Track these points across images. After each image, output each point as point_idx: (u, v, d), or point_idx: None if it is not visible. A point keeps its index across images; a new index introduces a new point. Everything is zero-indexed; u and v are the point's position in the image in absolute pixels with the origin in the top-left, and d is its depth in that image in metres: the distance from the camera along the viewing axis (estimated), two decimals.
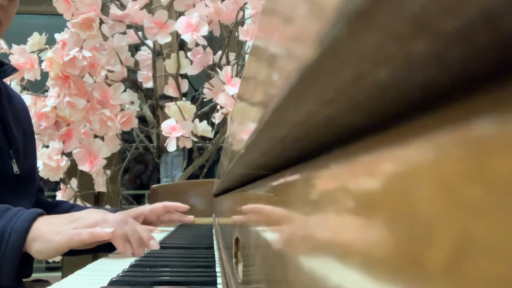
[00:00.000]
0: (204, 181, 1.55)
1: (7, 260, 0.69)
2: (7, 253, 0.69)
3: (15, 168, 0.91)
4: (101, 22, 1.40)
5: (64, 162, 1.42)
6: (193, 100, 1.68)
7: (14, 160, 0.90)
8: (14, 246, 0.69)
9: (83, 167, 1.42)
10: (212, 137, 1.53)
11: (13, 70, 0.96)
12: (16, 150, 0.91)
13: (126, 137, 2.23)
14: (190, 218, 1.09)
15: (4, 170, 0.89)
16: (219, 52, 1.53)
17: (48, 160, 1.40)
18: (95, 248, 1.00)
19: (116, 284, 0.54)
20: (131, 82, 1.63)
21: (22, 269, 0.74)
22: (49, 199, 1.17)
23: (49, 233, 0.70)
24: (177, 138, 1.39)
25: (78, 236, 0.70)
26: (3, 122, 0.90)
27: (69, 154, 1.46)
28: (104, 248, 0.97)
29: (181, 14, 1.44)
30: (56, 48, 1.35)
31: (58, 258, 1.57)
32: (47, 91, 1.45)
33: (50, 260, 1.54)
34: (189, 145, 1.43)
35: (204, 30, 1.34)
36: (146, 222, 1.04)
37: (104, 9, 1.44)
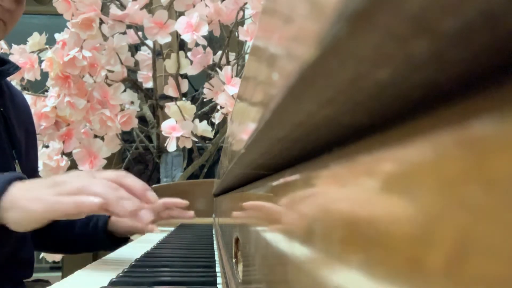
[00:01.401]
0: (204, 181, 1.55)
1: None
2: None
3: (18, 169, 0.91)
4: (101, 22, 1.40)
5: (64, 162, 1.42)
6: (193, 100, 1.68)
7: (16, 161, 0.90)
8: None
9: (83, 167, 1.42)
10: (212, 137, 1.53)
11: (16, 68, 0.96)
12: (19, 151, 0.91)
13: (126, 137, 2.23)
14: (190, 213, 1.08)
15: (7, 171, 0.89)
16: (219, 52, 1.53)
17: (48, 160, 1.40)
18: (96, 247, 1.00)
19: (116, 284, 0.54)
20: (131, 82, 1.63)
21: (4, 245, 0.64)
22: None
23: (25, 199, 0.59)
24: (177, 138, 1.39)
25: (60, 205, 0.59)
26: (6, 123, 0.90)
27: (69, 154, 1.46)
28: (104, 247, 0.97)
29: (181, 14, 1.44)
30: (56, 48, 1.36)
31: (58, 258, 1.56)
32: (47, 91, 1.45)
33: (50, 260, 1.53)
34: (189, 145, 1.43)
35: (204, 30, 1.34)
36: None
37: (104, 9, 1.44)
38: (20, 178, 0.64)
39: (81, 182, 0.61)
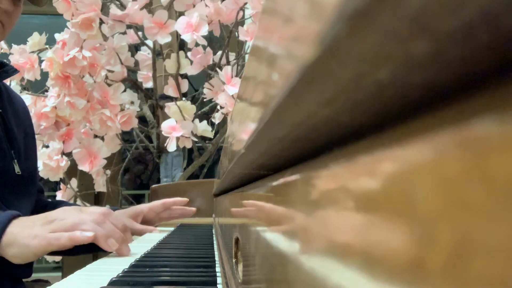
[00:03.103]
0: (204, 181, 1.55)
1: None
2: None
3: (17, 169, 0.91)
4: (101, 22, 1.40)
5: (64, 162, 1.42)
6: (193, 100, 1.68)
7: (15, 161, 0.91)
8: None
9: (83, 167, 1.42)
10: (212, 137, 1.53)
11: (14, 71, 0.96)
12: (17, 151, 0.92)
13: (126, 137, 2.23)
14: (192, 209, 1.08)
15: (6, 171, 0.89)
16: (219, 52, 1.53)
17: (48, 160, 1.40)
18: (94, 248, 1.00)
19: (116, 284, 0.54)
20: (131, 82, 1.63)
21: (4, 270, 0.72)
22: (49, 199, 1.17)
23: (24, 237, 0.68)
24: (177, 138, 1.39)
25: (57, 241, 0.68)
26: (4, 123, 0.91)
27: (69, 154, 1.46)
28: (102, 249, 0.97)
29: (181, 14, 1.44)
30: (56, 48, 1.36)
31: (58, 258, 1.57)
32: (47, 91, 1.45)
33: (50, 260, 1.54)
34: (189, 145, 1.43)
35: (204, 30, 1.34)
36: (145, 220, 1.04)
37: (104, 9, 1.44)
38: (17, 216, 0.71)
39: (73, 219, 0.70)
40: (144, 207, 1.05)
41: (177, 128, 1.40)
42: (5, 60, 0.97)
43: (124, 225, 0.77)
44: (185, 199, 1.05)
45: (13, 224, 0.69)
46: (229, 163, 0.40)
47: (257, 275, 0.28)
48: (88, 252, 1.04)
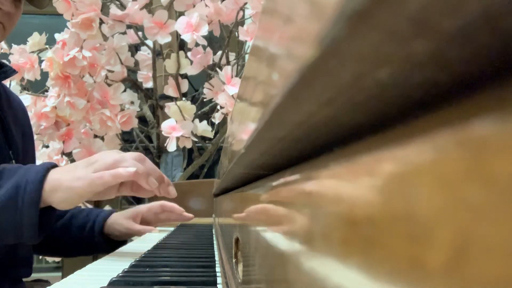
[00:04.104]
0: (204, 181, 1.55)
1: (27, 215, 0.66)
2: (25, 207, 0.66)
3: None
4: (101, 22, 1.40)
5: (64, 162, 1.42)
6: (193, 100, 1.68)
7: (13, 161, 0.91)
8: (32, 199, 0.66)
9: None
10: (212, 137, 1.53)
11: (13, 71, 0.97)
12: (15, 151, 0.92)
13: (126, 137, 2.22)
14: (190, 216, 1.09)
15: None
16: (219, 52, 1.53)
17: (48, 160, 1.40)
18: (93, 251, 1.00)
19: (116, 284, 0.54)
20: (131, 82, 1.63)
21: (46, 225, 0.70)
22: None
23: (68, 180, 0.67)
24: (177, 138, 1.39)
25: (100, 180, 0.67)
26: (2, 123, 0.91)
27: (69, 154, 1.46)
28: (100, 250, 0.98)
29: (181, 14, 1.44)
30: (56, 48, 1.36)
31: (58, 258, 1.57)
32: (47, 91, 1.45)
33: (50, 260, 1.54)
34: (189, 145, 1.43)
35: (204, 30, 1.34)
36: (144, 221, 1.04)
37: (104, 9, 1.44)
38: (55, 166, 0.71)
39: (112, 158, 0.70)
40: (143, 208, 1.05)
41: (177, 128, 1.40)
42: (4, 61, 0.97)
43: (160, 172, 0.76)
44: (182, 210, 1.07)
45: (54, 171, 0.70)
46: (229, 163, 0.40)
47: (257, 275, 0.28)
48: (88, 253, 1.05)
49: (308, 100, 0.13)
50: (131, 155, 0.72)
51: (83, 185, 0.67)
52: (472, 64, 0.08)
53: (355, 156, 0.12)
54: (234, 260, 0.45)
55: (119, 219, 0.98)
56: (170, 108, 1.42)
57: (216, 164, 1.56)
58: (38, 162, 1.38)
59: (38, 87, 1.50)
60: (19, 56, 1.44)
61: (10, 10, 0.85)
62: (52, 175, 0.69)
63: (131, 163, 0.70)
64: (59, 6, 1.32)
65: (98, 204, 2.18)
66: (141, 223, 1.03)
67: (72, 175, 0.68)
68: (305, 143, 0.18)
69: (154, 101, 1.68)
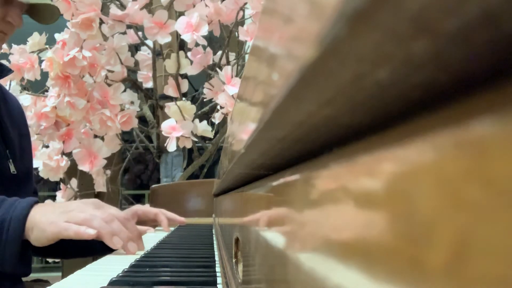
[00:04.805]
0: (204, 181, 1.55)
1: (9, 248, 0.72)
2: (8, 241, 0.72)
3: (12, 169, 0.92)
4: (101, 22, 1.40)
5: (64, 162, 1.42)
6: (193, 100, 1.68)
7: (11, 160, 0.91)
8: (15, 235, 0.73)
9: (83, 167, 1.42)
10: (212, 137, 1.53)
11: (9, 71, 0.97)
12: (12, 151, 0.92)
13: (126, 137, 2.22)
14: (182, 220, 1.12)
15: (1, 170, 0.89)
16: (219, 52, 1.53)
17: (48, 160, 1.40)
18: (91, 252, 1.00)
19: (116, 284, 0.54)
20: (131, 82, 1.63)
21: (23, 257, 0.77)
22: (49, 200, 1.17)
23: (43, 222, 0.74)
24: (177, 138, 1.39)
25: (66, 231, 0.74)
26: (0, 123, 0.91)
27: (69, 154, 1.46)
28: (98, 252, 0.98)
29: (181, 14, 1.44)
30: (56, 48, 1.36)
31: (58, 259, 1.56)
32: (47, 91, 1.45)
33: (50, 260, 1.54)
34: (189, 145, 1.43)
35: (204, 30, 1.34)
36: (140, 221, 1.04)
37: (104, 9, 1.44)
38: (37, 202, 0.78)
39: (85, 215, 0.76)
40: (139, 209, 1.06)
41: (177, 128, 1.40)
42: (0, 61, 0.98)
43: (134, 227, 0.83)
44: (179, 219, 1.10)
45: (34, 209, 0.76)
46: (229, 163, 0.40)
47: (257, 275, 0.28)
48: (86, 255, 1.05)
49: (308, 100, 0.13)
50: (102, 214, 0.78)
51: (52, 231, 0.74)
52: (472, 64, 0.08)
53: (355, 156, 0.12)
54: (234, 260, 0.45)
55: None
56: (170, 108, 1.42)
57: (216, 164, 1.56)
58: (38, 162, 1.38)
59: (38, 87, 1.50)
60: (19, 56, 1.44)
61: (19, 24, 0.89)
62: (33, 213, 0.75)
63: (97, 224, 0.75)
64: (59, 6, 1.32)
65: None
66: (137, 223, 1.03)
67: (47, 218, 0.75)
68: (305, 143, 0.18)
69: (154, 101, 1.68)
